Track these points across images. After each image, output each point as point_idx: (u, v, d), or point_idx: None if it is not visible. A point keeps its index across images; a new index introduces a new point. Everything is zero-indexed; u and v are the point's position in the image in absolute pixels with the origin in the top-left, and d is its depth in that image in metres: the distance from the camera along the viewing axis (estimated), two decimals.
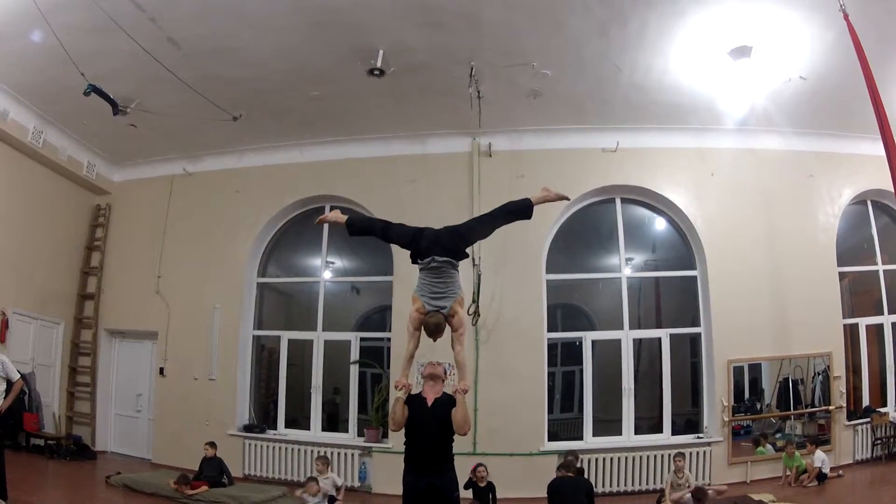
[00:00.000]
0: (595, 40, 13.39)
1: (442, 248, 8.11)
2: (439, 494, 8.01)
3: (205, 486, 14.34)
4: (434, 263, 8.09)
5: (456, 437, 8.15)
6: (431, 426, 8.02)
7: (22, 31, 12.72)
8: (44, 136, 16.86)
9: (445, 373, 8.69)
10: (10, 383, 10.96)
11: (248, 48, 13.65)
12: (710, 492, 13.28)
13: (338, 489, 14.37)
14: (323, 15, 12.54)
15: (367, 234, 9.57)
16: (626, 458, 15.71)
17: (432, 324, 7.95)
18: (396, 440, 15.50)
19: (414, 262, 8.45)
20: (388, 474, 15.66)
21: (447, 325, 8.12)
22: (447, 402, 8.07)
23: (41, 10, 11.74)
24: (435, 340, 8.22)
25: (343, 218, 9.17)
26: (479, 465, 13.22)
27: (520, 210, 8.69)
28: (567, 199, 9.46)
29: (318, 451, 16.26)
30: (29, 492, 12.71)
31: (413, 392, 8.34)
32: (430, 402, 8.17)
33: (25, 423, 16.70)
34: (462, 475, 9.82)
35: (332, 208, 17.42)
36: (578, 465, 13.60)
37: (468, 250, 8.73)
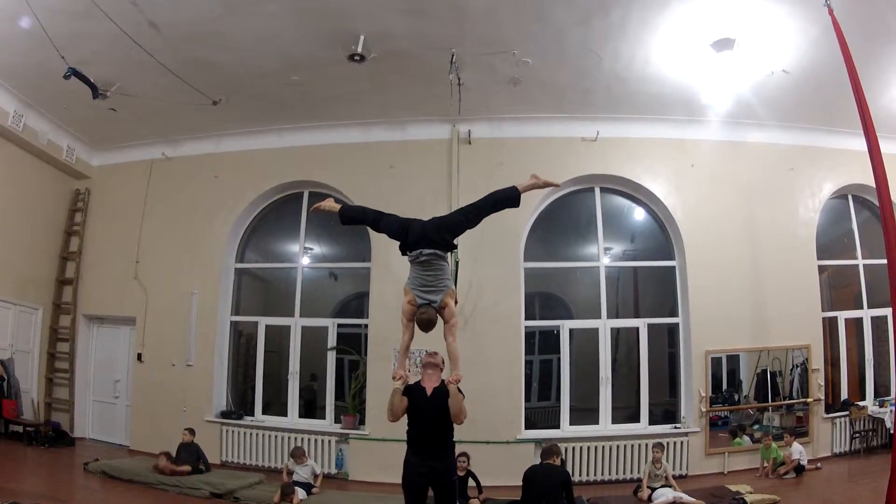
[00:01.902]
0: (577, 29, 13.37)
1: (429, 240, 8.20)
2: (439, 476, 8.17)
3: (187, 467, 14.37)
4: (422, 257, 8.20)
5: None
6: (432, 414, 8.16)
7: (3, 14, 12.65)
8: (24, 120, 16.77)
9: (443, 361, 8.78)
10: None
11: (229, 33, 13.59)
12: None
13: (315, 477, 14.42)
14: (305, 1, 12.50)
15: (358, 223, 9.77)
16: (604, 447, 15.73)
17: (424, 318, 8.11)
18: (373, 427, 15.70)
19: (403, 253, 8.52)
20: (364, 461, 15.75)
21: (439, 317, 8.24)
22: (446, 391, 8.16)
23: None
24: (427, 332, 8.31)
25: (337, 207, 9.33)
26: (461, 454, 13.23)
27: (507, 199, 8.77)
28: (556, 185, 9.67)
29: (295, 439, 16.33)
30: (7, 478, 12.74)
31: (412, 382, 8.51)
32: (429, 392, 8.30)
33: (4, 409, 16.64)
34: None
35: (310, 194, 17.68)
36: (560, 456, 13.60)
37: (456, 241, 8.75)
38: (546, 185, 9.12)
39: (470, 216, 8.73)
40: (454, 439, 8.44)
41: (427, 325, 8.19)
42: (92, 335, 19.44)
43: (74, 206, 19.69)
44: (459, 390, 8.12)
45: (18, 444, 16.58)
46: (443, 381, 8.36)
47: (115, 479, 14.17)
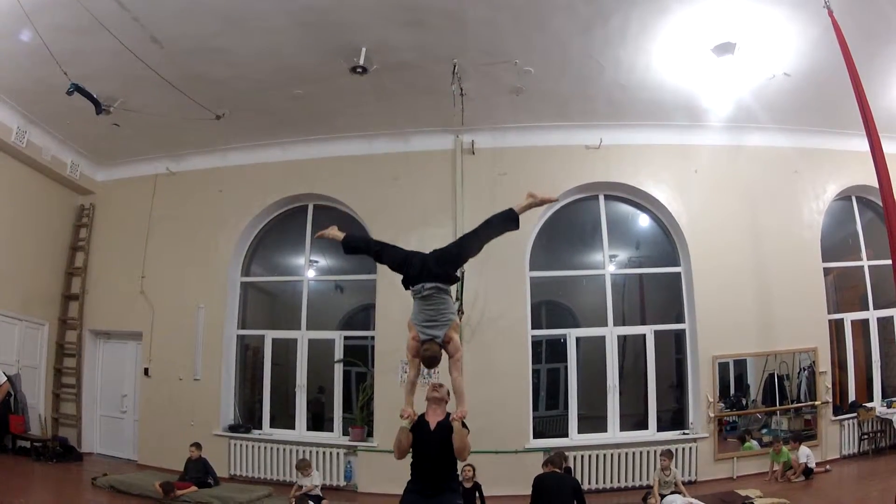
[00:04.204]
0: (578, 38, 13.39)
1: (430, 274, 8.12)
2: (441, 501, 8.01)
3: (193, 487, 14.34)
4: (425, 291, 8.10)
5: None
6: (434, 450, 8.04)
7: (6, 30, 12.67)
8: (27, 136, 16.79)
9: (448, 394, 8.65)
10: None
11: (232, 47, 13.61)
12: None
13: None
14: (306, 13, 12.51)
15: (361, 252, 9.59)
16: (612, 454, 15.71)
17: (428, 355, 8.00)
18: (381, 439, 15.73)
19: (406, 288, 8.42)
20: (373, 473, 15.74)
21: (444, 352, 8.11)
22: (449, 426, 8.04)
23: (25, 10, 11.70)
24: (431, 368, 8.35)
25: (340, 235, 9.30)
26: (466, 465, 13.22)
27: (505, 221, 8.62)
28: (554, 199, 9.45)
29: (303, 451, 16.30)
30: (15, 494, 12.73)
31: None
32: (432, 426, 8.19)
33: (11, 425, 16.66)
34: None
35: (315, 207, 17.78)
36: (566, 464, 13.60)
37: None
38: (544, 202, 8.89)
39: (470, 246, 8.67)
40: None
41: (431, 362, 8.10)
42: (98, 350, 19.41)
43: (79, 222, 19.67)
44: (464, 425, 8.04)
45: (26, 459, 16.57)
46: (448, 414, 8.26)
47: (124, 494, 14.19)
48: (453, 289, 9.23)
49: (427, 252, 8.48)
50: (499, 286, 16.54)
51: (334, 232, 9.40)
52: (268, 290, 20.06)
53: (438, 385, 8.56)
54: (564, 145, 17.24)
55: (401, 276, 8.45)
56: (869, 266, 17.51)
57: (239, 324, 18.44)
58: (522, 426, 16.07)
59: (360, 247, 9.49)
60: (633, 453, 15.72)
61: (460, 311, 15.65)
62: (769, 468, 15.36)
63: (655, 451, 15.26)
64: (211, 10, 12.33)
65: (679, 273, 17.24)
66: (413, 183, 17.20)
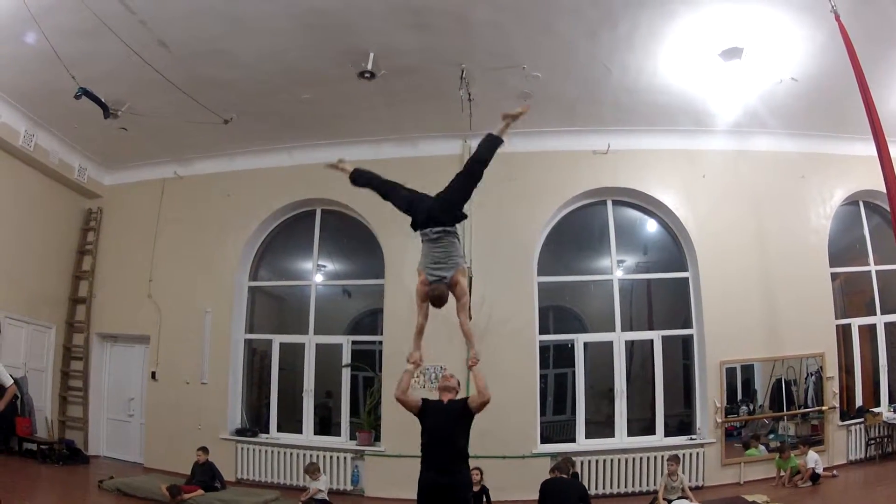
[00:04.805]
0: (585, 42, 13.39)
1: (436, 219, 8.34)
2: (453, 492, 8.16)
3: (199, 490, 14.33)
4: (432, 234, 8.31)
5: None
6: (447, 425, 8.22)
7: (13, 34, 12.69)
8: (35, 140, 16.82)
9: (459, 384, 8.92)
10: (2, 389, 10.92)
11: (239, 51, 13.65)
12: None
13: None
14: (313, 18, 12.54)
15: (368, 187, 9.60)
16: (619, 459, 15.71)
17: (436, 294, 8.15)
18: (389, 443, 15.67)
19: (414, 230, 8.66)
20: (380, 477, 15.74)
21: (450, 294, 8.27)
22: (461, 402, 8.33)
23: (32, 13, 11.72)
24: (439, 308, 8.39)
25: (349, 169, 9.52)
26: (474, 469, 13.21)
27: (490, 146, 8.99)
28: (526, 109, 9.44)
29: (310, 456, 16.26)
30: (21, 496, 12.71)
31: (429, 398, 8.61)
32: (445, 402, 8.46)
33: (18, 427, 16.68)
34: None
35: (323, 212, 17.74)
36: (573, 469, 13.59)
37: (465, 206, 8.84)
38: (519, 115, 9.13)
39: (467, 184, 8.92)
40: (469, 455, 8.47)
41: (438, 301, 8.24)
42: (105, 354, 19.44)
43: (87, 226, 19.70)
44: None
45: (32, 461, 16.58)
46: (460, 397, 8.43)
47: (130, 497, 14.21)
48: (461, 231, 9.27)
49: (432, 196, 8.76)
50: (506, 291, 16.52)
51: (343, 165, 9.57)
52: (275, 295, 20.07)
53: (450, 375, 9.03)
54: (572, 150, 17.25)
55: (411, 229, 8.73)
56: (876, 271, 17.47)
57: (246, 328, 18.46)
58: (530, 431, 16.06)
59: (368, 183, 9.58)
60: (641, 458, 15.70)
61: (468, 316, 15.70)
62: (776, 474, 15.34)
63: (663, 457, 15.21)
64: (218, 13, 12.35)
65: (687, 278, 17.22)
66: (421, 188, 16.91)
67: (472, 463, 9.67)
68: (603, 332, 17.29)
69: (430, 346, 9.00)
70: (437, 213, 8.36)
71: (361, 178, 9.56)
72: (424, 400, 8.53)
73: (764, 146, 17.22)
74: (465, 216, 8.90)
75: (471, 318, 8.86)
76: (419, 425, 8.58)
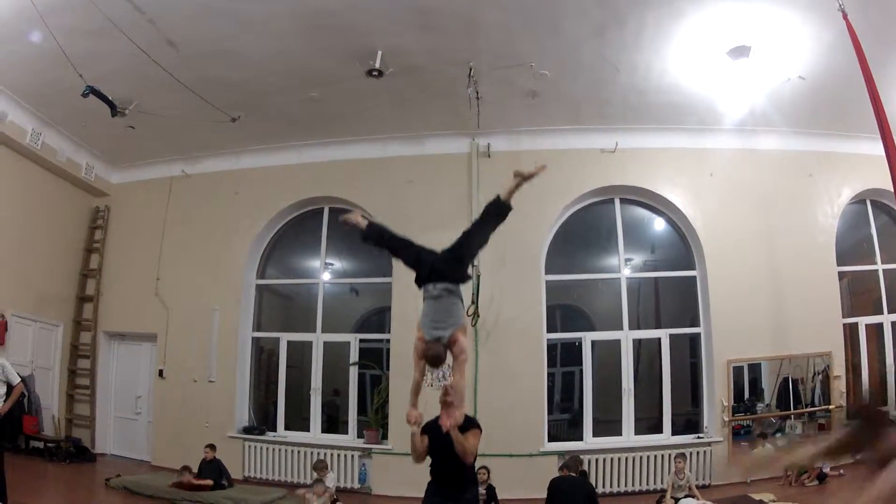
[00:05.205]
0: (593, 41, 13.38)
1: (440, 274, 8.07)
2: None
3: (210, 482, 14.39)
4: (434, 292, 8.03)
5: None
6: (449, 451, 7.98)
7: (20, 32, 12.70)
8: (42, 138, 16.86)
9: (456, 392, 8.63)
10: (10, 387, 10.94)
11: (247, 50, 13.65)
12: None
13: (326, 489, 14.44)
14: (321, 17, 12.54)
15: (378, 241, 9.33)
16: (627, 458, 15.72)
17: (430, 354, 7.86)
18: (396, 441, 15.75)
19: (418, 286, 8.36)
20: (388, 476, 15.75)
21: (448, 353, 7.96)
22: (462, 428, 8.03)
23: (39, 12, 11.73)
24: (435, 367, 8.26)
25: (363, 223, 9.15)
26: (481, 468, 13.23)
27: (497, 212, 8.61)
28: (543, 168, 8.89)
29: (318, 454, 16.31)
30: (29, 494, 12.71)
31: (428, 418, 8.34)
32: (445, 428, 8.10)
33: (25, 425, 16.70)
34: None
35: (330, 210, 17.81)
36: (582, 468, 13.61)
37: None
38: (531, 176, 8.66)
39: (472, 242, 8.62)
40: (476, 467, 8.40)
41: (434, 361, 7.95)
42: (113, 352, 19.49)
43: (94, 224, 19.75)
44: (476, 424, 8.22)
45: (39, 459, 16.63)
46: (466, 417, 8.24)
47: (138, 495, 14.22)
48: (467, 290, 9.16)
49: (438, 251, 8.41)
50: (514, 289, 16.54)
51: (357, 218, 9.24)
52: (283, 293, 20.14)
53: (450, 386, 8.40)
54: (580, 149, 17.26)
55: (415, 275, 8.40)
56: (883, 270, 17.40)
57: (254, 326, 18.49)
58: (537, 429, 16.06)
59: (378, 241, 9.32)
60: (648, 457, 15.72)
61: (476, 314, 15.69)
62: (783, 472, 15.32)
63: (670, 455, 15.26)
64: (226, 12, 12.35)
65: (694, 276, 17.22)
66: (428, 186, 17.21)
67: (479, 462, 9.67)
68: (610, 330, 17.32)
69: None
70: (441, 267, 8.12)
71: (372, 235, 9.23)
72: (426, 426, 8.27)
73: (771, 145, 17.19)
74: (469, 277, 8.73)
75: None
76: None
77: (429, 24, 12.79)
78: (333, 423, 17.96)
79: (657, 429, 16.72)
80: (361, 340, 18.00)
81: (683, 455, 14.62)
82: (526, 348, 16.34)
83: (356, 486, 16.18)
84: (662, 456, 15.63)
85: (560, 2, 12.24)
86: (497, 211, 8.55)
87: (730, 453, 15.88)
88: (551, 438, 16.50)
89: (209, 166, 19.14)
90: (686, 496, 13.63)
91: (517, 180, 8.56)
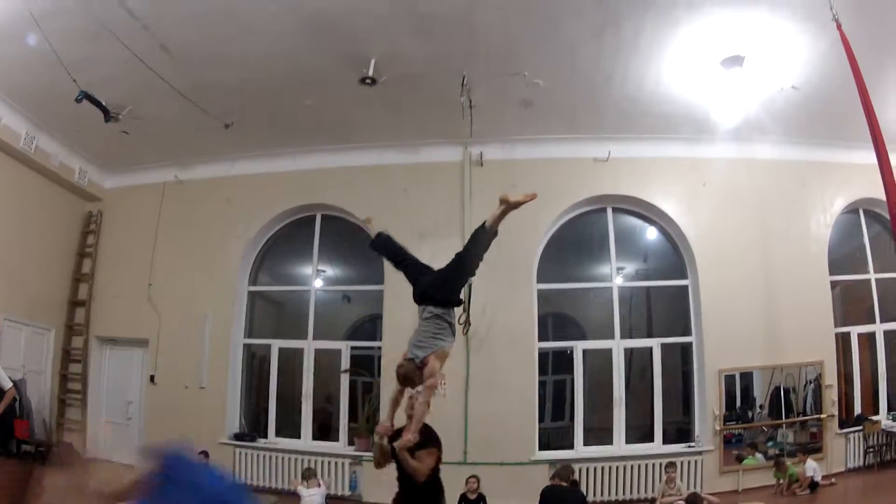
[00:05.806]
0: (587, 50, 13.44)
1: (433, 300, 8.06)
2: None
3: None
4: (426, 314, 8.05)
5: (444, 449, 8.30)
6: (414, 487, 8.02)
7: (15, 36, 12.67)
8: (36, 142, 16.82)
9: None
10: (1, 391, 10.93)
11: (241, 56, 13.67)
12: (704, 500, 13.32)
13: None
14: (315, 23, 12.57)
15: (385, 252, 9.36)
16: (618, 466, 15.72)
17: (400, 372, 7.86)
18: None
19: (416, 304, 8.35)
20: (378, 483, 15.58)
21: (419, 374, 7.84)
22: (421, 443, 7.98)
23: (34, 17, 11.77)
24: (404, 386, 8.12)
25: (374, 232, 9.30)
26: (471, 476, 13.23)
27: (484, 239, 8.38)
28: (532, 197, 8.44)
29: (309, 461, 16.35)
30: (18, 499, 12.69)
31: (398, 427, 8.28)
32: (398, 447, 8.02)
33: (16, 429, 16.63)
34: (455, 487, 9.81)
35: (323, 217, 17.94)
36: (573, 477, 13.60)
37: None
38: (518, 204, 8.20)
39: (461, 269, 8.52)
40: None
41: (403, 380, 7.93)
42: (104, 357, 19.44)
43: (87, 229, 19.70)
44: (435, 443, 8.24)
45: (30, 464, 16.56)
46: (426, 432, 8.14)
47: None
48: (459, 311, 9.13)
49: (434, 272, 8.40)
50: (506, 298, 16.55)
51: (371, 223, 9.47)
52: (275, 300, 20.15)
53: (416, 396, 8.27)
54: (573, 158, 17.29)
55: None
56: (876, 279, 17.47)
57: (246, 332, 18.52)
58: (528, 438, 16.07)
59: (384, 251, 9.35)
60: (639, 466, 15.74)
61: (468, 323, 15.68)
62: (775, 482, 15.34)
63: (661, 464, 15.30)
64: (220, 18, 12.40)
65: (686, 286, 17.28)
66: (422, 194, 17.23)
67: (470, 470, 9.65)
68: (602, 339, 17.33)
69: None
70: (433, 292, 8.08)
71: (380, 240, 9.27)
72: (397, 433, 8.14)
73: (765, 154, 17.20)
74: (460, 302, 8.62)
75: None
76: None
77: (424, 31, 12.82)
78: (325, 430, 17.91)
79: (648, 438, 16.72)
80: (353, 348, 18.00)
81: (674, 464, 14.73)
82: (517, 356, 16.34)
83: (347, 493, 16.18)
84: (653, 465, 15.64)
85: (556, 9, 12.25)
86: (484, 238, 8.37)
87: (721, 462, 15.88)
88: (542, 447, 16.45)
89: (202, 172, 19.11)
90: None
91: (503, 207, 8.18)
